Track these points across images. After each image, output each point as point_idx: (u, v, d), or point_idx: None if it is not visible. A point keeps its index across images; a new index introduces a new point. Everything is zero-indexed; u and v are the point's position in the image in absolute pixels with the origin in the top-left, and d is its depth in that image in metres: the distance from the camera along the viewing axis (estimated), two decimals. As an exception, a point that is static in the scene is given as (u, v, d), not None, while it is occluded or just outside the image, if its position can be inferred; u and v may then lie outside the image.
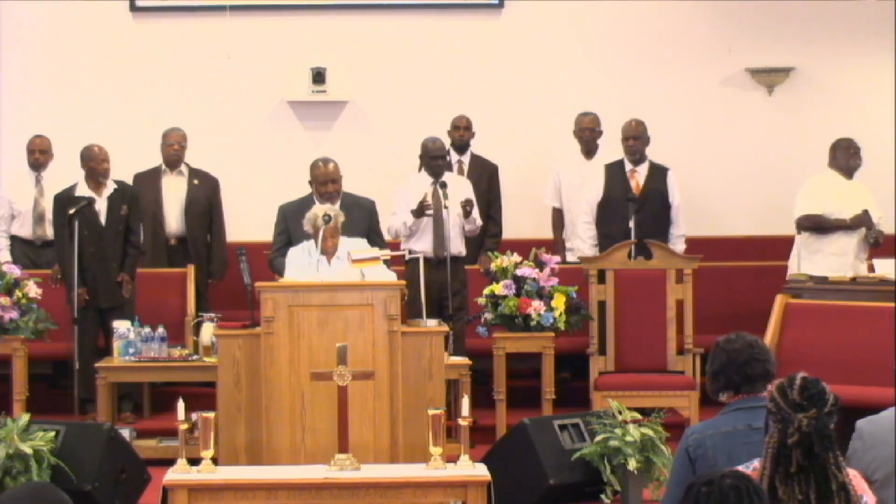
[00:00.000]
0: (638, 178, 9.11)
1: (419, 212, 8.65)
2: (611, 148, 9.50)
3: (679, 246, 8.93)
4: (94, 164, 8.70)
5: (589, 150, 9.65)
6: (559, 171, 9.73)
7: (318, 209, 7.38)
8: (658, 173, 9.13)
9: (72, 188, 8.73)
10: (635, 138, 9.09)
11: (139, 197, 8.94)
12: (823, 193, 8.89)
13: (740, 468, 3.56)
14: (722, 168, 10.52)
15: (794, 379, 3.54)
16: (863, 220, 8.83)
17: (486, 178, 9.53)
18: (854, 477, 3.53)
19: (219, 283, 9.48)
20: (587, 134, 9.62)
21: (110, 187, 8.76)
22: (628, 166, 9.12)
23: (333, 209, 7.42)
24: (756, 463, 3.55)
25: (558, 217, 9.75)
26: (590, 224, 9.14)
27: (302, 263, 7.26)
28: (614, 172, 9.12)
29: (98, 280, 8.63)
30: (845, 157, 8.92)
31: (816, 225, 8.86)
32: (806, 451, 3.42)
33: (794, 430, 3.43)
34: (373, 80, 10.48)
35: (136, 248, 8.78)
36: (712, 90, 10.56)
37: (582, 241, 9.15)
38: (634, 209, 8.75)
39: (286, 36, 10.49)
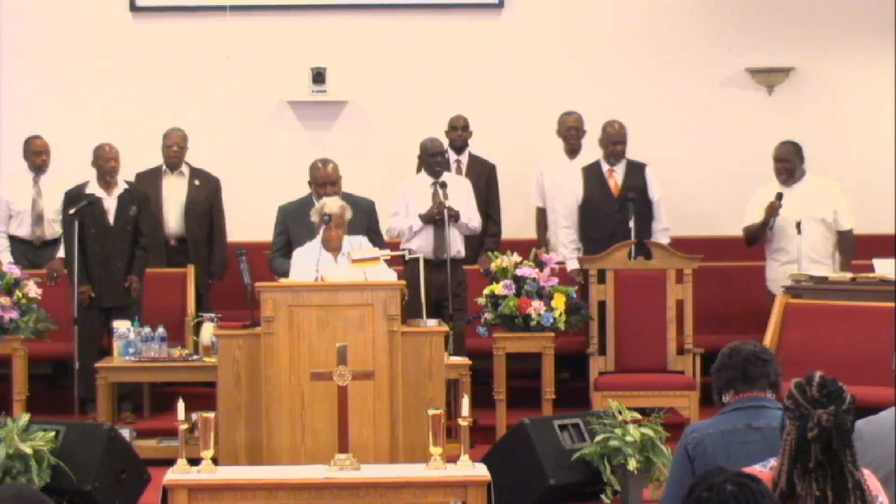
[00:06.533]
0: (616, 177, 9.05)
1: (429, 218, 8.64)
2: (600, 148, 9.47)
3: (663, 240, 8.87)
4: (101, 162, 8.72)
5: (573, 149, 9.61)
6: (542, 171, 9.70)
7: (329, 204, 7.37)
8: (636, 170, 9.07)
9: (82, 186, 8.74)
10: (622, 143, 9.03)
11: (150, 199, 8.95)
12: (762, 204, 8.83)
13: (757, 467, 3.57)
14: (721, 168, 10.50)
15: (813, 377, 3.59)
16: (771, 209, 8.68)
17: (484, 177, 9.51)
18: (869, 477, 3.55)
19: (219, 283, 9.48)
20: (572, 133, 9.60)
21: (121, 187, 8.77)
22: (605, 166, 9.07)
23: (341, 204, 7.40)
24: (773, 462, 3.56)
25: (542, 217, 9.73)
26: (569, 229, 9.05)
27: (308, 264, 7.24)
28: (592, 174, 9.07)
29: (103, 279, 8.63)
30: (776, 168, 8.85)
31: (750, 235, 8.87)
32: (824, 447, 3.45)
33: (813, 426, 3.46)
34: (373, 80, 10.47)
35: (144, 250, 8.78)
36: (712, 90, 10.55)
37: (563, 246, 9.05)
38: (632, 209, 8.71)
39: (286, 36, 10.48)
